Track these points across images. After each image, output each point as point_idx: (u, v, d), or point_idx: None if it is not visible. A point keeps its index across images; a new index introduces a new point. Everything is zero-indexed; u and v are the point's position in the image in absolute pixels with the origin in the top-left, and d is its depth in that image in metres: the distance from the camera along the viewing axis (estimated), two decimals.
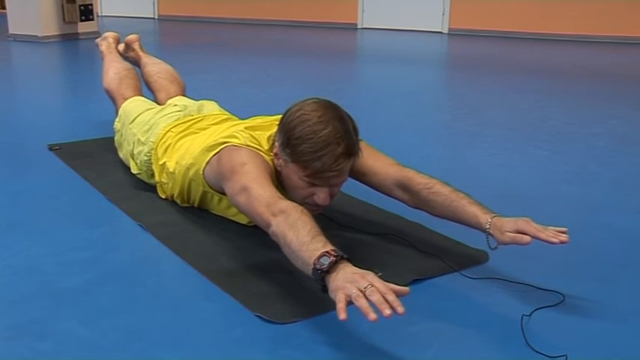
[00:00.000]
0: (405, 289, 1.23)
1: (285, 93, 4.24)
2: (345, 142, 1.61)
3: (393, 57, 6.22)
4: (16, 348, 1.33)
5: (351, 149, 1.64)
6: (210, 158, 1.80)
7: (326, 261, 1.29)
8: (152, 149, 2.19)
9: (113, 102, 2.69)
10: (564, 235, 1.48)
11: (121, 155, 2.43)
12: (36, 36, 6.82)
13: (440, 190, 1.68)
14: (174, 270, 1.70)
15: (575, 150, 2.90)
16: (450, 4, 8.22)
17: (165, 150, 2.13)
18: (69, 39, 7.01)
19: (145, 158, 2.22)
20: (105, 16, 10.16)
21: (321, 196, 1.68)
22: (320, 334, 1.36)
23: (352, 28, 8.72)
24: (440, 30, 8.27)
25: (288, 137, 1.65)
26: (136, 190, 2.25)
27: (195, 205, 2.03)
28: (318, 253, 1.31)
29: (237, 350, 1.33)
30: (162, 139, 2.17)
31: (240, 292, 1.54)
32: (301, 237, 1.37)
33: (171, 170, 2.04)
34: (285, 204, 1.49)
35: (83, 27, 7.17)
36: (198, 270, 1.67)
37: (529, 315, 1.46)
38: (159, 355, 1.31)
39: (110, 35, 3.04)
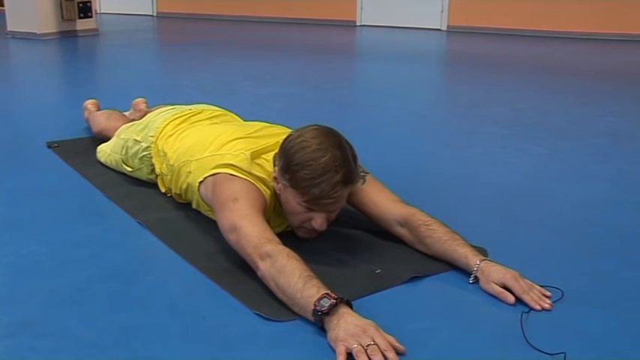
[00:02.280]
0: (402, 348, 1.29)
1: (284, 90, 4.24)
2: (343, 169, 1.63)
3: (391, 54, 6.22)
4: (15, 346, 1.33)
5: (349, 177, 1.65)
6: (206, 178, 1.81)
7: (326, 303, 1.34)
8: (152, 143, 2.19)
9: (109, 138, 2.62)
10: (547, 302, 1.50)
11: (112, 167, 2.42)
12: (34, 33, 6.82)
13: (437, 229, 1.70)
14: (172, 268, 1.70)
15: (574, 147, 2.90)
16: (448, 2, 8.21)
17: (167, 140, 2.14)
18: (67, 36, 7.01)
19: (145, 154, 2.22)
20: (103, 13, 10.15)
21: (318, 221, 1.70)
22: (318, 332, 1.36)
23: (351, 25, 8.72)
24: (439, 27, 8.27)
25: (288, 163, 1.66)
26: (134, 187, 2.25)
27: (193, 206, 2.03)
28: (318, 295, 1.36)
29: (236, 348, 1.33)
30: (162, 131, 2.19)
31: (239, 290, 1.54)
32: (293, 283, 1.41)
33: (171, 162, 2.05)
34: (271, 247, 1.51)
35: (81, 24, 7.17)
36: (197, 268, 1.67)
37: (528, 312, 1.46)
38: (157, 353, 1.31)
39: (89, 103, 3.09)
